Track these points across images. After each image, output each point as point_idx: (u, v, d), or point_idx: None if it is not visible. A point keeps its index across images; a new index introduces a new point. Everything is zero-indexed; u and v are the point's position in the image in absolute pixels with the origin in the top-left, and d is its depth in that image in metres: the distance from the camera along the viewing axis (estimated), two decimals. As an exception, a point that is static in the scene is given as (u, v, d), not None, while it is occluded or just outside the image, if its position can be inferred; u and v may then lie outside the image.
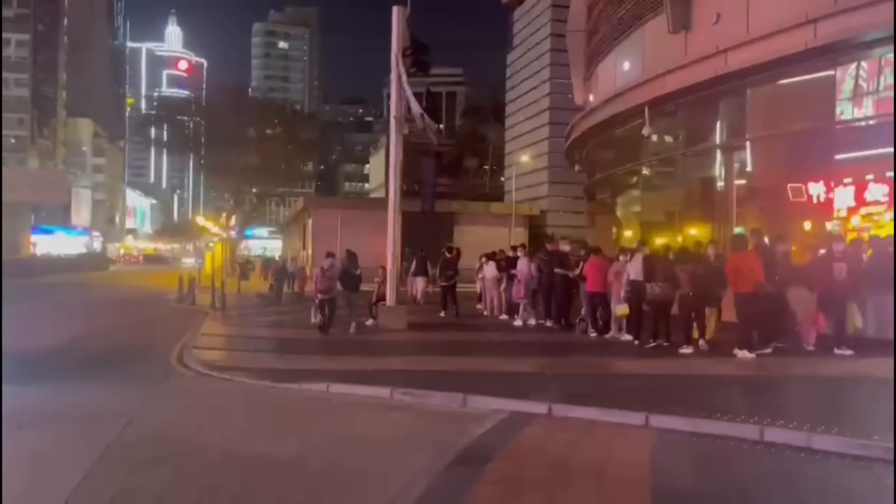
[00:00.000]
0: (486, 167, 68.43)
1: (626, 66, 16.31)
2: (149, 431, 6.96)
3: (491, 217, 45.19)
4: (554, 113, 50.09)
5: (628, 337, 12.16)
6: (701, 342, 10.83)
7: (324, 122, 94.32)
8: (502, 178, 70.45)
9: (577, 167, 23.46)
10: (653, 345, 11.32)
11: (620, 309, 12.03)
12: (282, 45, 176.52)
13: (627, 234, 18.03)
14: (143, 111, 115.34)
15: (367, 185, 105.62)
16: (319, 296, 14.52)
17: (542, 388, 8.35)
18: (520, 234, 43.66)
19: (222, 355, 12.13)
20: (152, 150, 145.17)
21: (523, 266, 14.99)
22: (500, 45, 67.17)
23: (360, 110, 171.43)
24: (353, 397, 8.64)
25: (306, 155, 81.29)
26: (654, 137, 15.05)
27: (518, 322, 15.21)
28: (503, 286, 17.43)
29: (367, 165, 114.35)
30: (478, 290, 21.71)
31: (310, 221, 45.35)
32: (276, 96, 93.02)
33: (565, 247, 14.40)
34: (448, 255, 19.68)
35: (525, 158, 48.94)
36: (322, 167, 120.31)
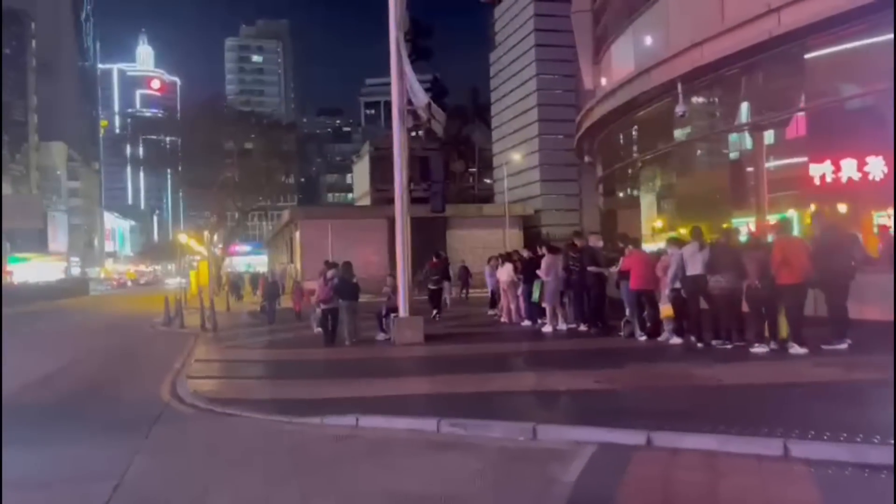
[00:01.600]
0: (472, 169, 67.09)
1: (648, 41, 14.90)
2: (142, 501, 5.39)
3: (484, 219, 43.91)
4: (543, 110, 48.92)
5: (677, 339, 10.69)
6: (772, 343, 9.40)
7: (302, 133, 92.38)
8: (487, 181, 69.22)
9: (586, 158, 22.01)
10: (720, 345, 9.86)
11: (664, 310, 10.58)
12: (255, 58, 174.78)
13: (657, 224, 16.62)
14: (118, 131, 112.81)
15: (350, 195, 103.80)
16: (322, 306, 14.30)
17: (625, 409, 6.85)
18: (515, 236, 42.43)
19: (222, 385, 10.53)
20: (128, 170, 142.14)
21: (551, 265, 13.50)
22: (480, 45, 65.97)
23: (338, 121, 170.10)
24: (391, 433, 7.08)
25: (287, 167, 79.43)
26: (686, 115, 13.60)
27: (548, 328, 13.71)
28: (520, 289, 15.98)
29: (350, 175, 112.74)
30: (490, 294, 20.32)
31: (297, 234, 43.77)
32: (253, 110, 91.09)
33: (597, 242, 12.90)
34: (435, 259, 20.04)
35: (517, 157, 47.60)
36: (303, 179, 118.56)
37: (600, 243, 12.82)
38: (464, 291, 28.74)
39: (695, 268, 9.96)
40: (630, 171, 17.76)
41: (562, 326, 13.67)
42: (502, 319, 16.72)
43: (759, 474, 5.01)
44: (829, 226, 9.62)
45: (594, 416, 6.58)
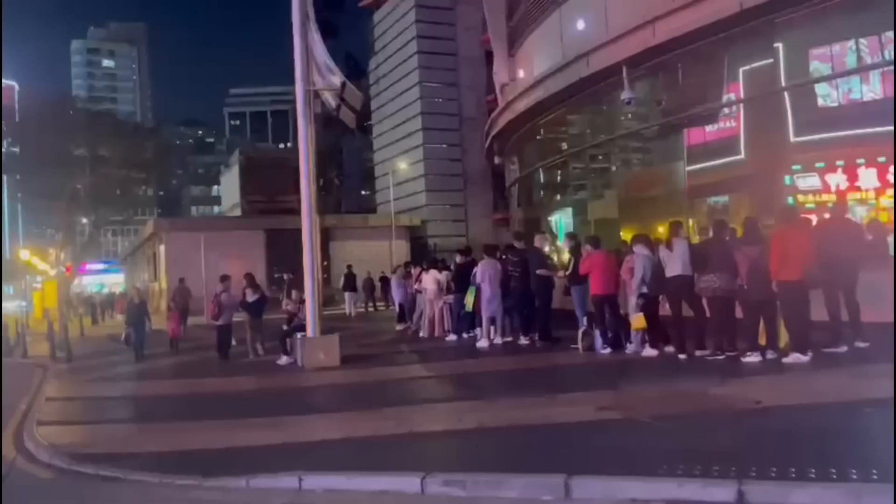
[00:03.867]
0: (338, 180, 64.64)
1: (581, 24, 13.66)
2: None
3: (369, 230, 41.93)
4: (427, 118, 47.63)
5: (651, 351, 9.37)
6: (769, 351, 8.23)
7: (162, 143, 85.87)
8: (364, 192, 66.86)
9: (496, 160, 20.63)
10: (711, 357, 8.56)
11: (636, 320, 9.20)
12: (106, 63, 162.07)
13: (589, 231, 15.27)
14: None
15: (217, 208, 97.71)
16: (212, 321, 13.75)
17: (666, 448, 5.22)
18: (401, 247, 40.82)
19: (89, 433, 7.96)
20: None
21: (488, 271, 11.85)
22: (358, 51, 63.96)
23: (200, 131, 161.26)
24: (354, 498, 5.10)
25: (147, 177, 73.33)
26: (633, 103, 12.39)
27: (483, 342, 12.01)
28: (445, 299, 14.28)
29: (216, 187, 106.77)
30: (396, 307, 18.48)
31: (161, 248, 39.75)
32: (108, 110, 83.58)
33: (543, 242, 11.37)
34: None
35: (403, 166, 46.00)
36: (161, 193, 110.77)
37: (546, 244, 11.32)
38: (369, 304, 27.17)
39: (674, 268, 8.64)
40: (559, 171, 16.42)
41: (497, 340, 12.05)
42: (421, 334, 14.90)
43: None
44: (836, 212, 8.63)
45: (634, 460, 4.93)
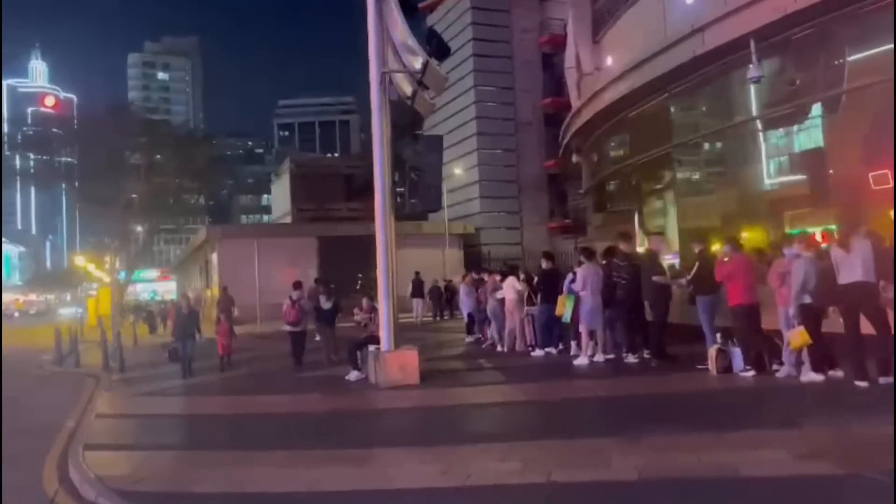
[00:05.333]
0: (400, 189, 63.38)
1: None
2: None
3: (422, 238, 40.62)
4: (482, 123, 46.27)
5: (815, 376, 7.59)
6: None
7: (213, 154, 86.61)
8: (413, 200, 65.37)
9: (574, 159, 18.93)
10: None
11: (799, 336, 7.46)
12: (161, 75, 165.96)
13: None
14: (7, 151, 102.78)
15: (266, 217, 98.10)
16: (287, 328, 13.44)
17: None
18: (455, 255, 39.49)
19: (142, 462, 6.69)
20: (17, 192, 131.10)
21: (590, 277, 10.31)
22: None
23: (249, 142, 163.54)
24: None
25: (200, 185, 73.80)
26: (760, 81, 10.42)
27: (582, 359, 10.46)
28: (526, 311, 12.83)
29: (265, 196, 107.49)
30: (465, 317, 17.09)
31: (213, 255, 39.21)
32: (164, 118, 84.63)
33: (660, 245, 9.75)
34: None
35: (458, 171, 44.64)
36: (211, 203, 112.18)
37: (663, 247, 9.70)
38: (437, 313, 25.84)
39: (853, 273, 6.95)
40: (654, 168, 14.43)
41: (599, 357, 10.49)
42: (499, 348, 13.44)
43: None
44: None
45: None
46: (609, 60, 14.38)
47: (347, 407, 8.95)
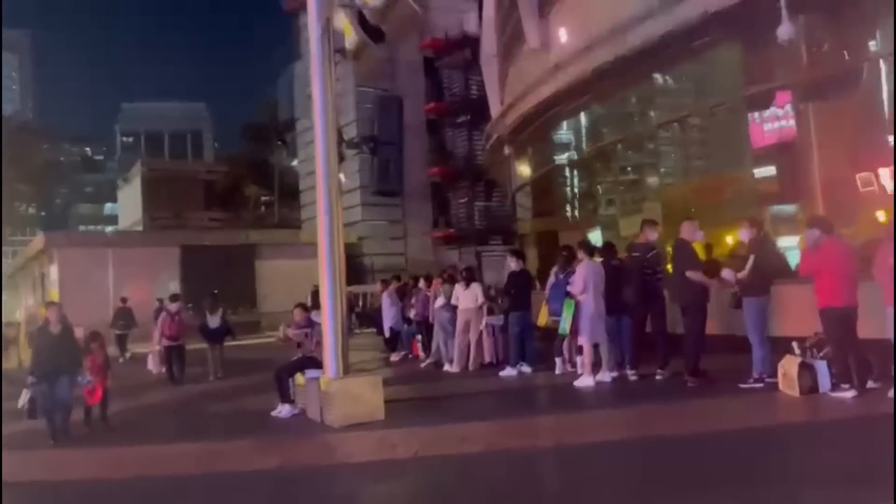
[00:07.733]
0: (265, 197, 59.16)
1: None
2: None
3: (300, 247, 37.28)
4: (362, 125, 43.66)
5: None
6: None
7: (45, 160, 77.06)
8: (284, 208, 60.97)
9: (506, 150, 16.88)
10: None
11: None
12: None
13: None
14: None
15: (110, 228, 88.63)
16: (165, 342, 12.52)
17: None
18: (336, 266, 36.61)
19: None
20: None
21: (592, 278, 8.27)
22: (283, 56, 59.31)
23: (87, 148, 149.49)
24: None
25: (30, 193, 65.42)
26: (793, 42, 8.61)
27: (587, 380, 8.36)
28: (486, 320, 10.71)
29: (110, 205, 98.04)
30: (387, 331, 14.69)
31: (52, 268, 33.73)
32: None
33: (693, 233, 7.79)
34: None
35: (341, 177, 41.69)
36: (43, 213, 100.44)
37: (695, 235, 7.77)
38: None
39: None
40: (597, 162, 12.77)
41: (605, 377, 8.48)
42: (446, 368, 11.11)
43: None
44: None
45: None
46: (564, 36, 12.54)
47: (303, 460, 6.32)
